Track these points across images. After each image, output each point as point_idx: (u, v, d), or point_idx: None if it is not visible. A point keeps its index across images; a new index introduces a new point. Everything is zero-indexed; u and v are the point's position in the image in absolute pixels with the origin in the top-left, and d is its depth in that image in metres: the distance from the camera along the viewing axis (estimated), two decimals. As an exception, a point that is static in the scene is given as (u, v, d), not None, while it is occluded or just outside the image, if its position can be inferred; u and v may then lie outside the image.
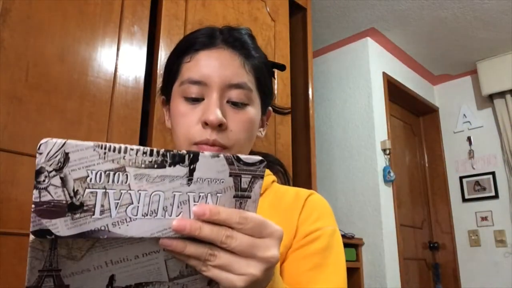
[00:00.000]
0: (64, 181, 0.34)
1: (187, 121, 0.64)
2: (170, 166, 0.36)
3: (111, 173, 0.35)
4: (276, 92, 1.86)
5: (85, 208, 0.35)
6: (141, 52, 1.49)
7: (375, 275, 2.66)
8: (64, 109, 1.25)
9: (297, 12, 2.29)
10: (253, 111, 0.67)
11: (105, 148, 0.34)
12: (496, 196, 3.29)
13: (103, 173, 0.35)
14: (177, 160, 0.37)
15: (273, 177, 0.77)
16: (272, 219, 0.66)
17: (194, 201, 0.38)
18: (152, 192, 0.36)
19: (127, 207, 0.36)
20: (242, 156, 0.39)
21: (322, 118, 3.14)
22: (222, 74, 0.64)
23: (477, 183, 3.41)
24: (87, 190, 0.34)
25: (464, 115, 3.59)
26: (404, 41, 3.17)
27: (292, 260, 0.64)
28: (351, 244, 2.63)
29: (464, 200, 3.45)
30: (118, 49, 1.42)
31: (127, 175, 0.35)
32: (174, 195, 0.37)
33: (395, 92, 3.27)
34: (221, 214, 0.38)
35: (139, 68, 1.46)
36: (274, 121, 1.86)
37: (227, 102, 0.65)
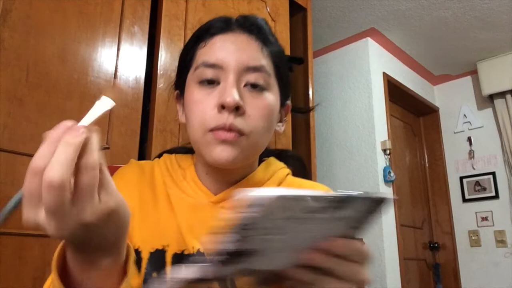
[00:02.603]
0: (249, 233, 0.35)
1: (202, 107, 0.60)
2: (331, 209, 0.37)
3: (285, 220, 0.36)
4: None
5: (251, 252, 0.37)
6: (141, 52, 1.49)
7: (375, 275, 2.66)
8: (64, 109, 1.25)
9: (297, 12, 2.29)
10: (272, 97, 0.64)
11: (287, 199, 0.35)
12: (496, 196, 3.29)
13: (279, 221, 0.36)
14: (337, 205, 0.37)
15: (288, 170, 0.74)
16: None
17: (329, 232, 0.40)
18: (306, 230, 0.38)
19: (280, 245, 0.38)
20: (383, 197, 0.39)
21: (322, 118, 3.14)
22: (239, 57, 0.61)
23: (477, 183, 3.41)
24: (261, 237, 0.36)
25: (465, 115, 3.59)
26: (404, 41, 3.17)
27: None
28: (351, 244, 2.63)
29: (465, 200, 3.45)
30: (118, 49, 1.42)
31: (295, 219, 0.36)
32: (320, 232, 0.39)
33: (395, 92, 3.27)
34: (341, 247, 0.41)
35: (139, 68, 1.46)
36: (274, 121, 1.86)
37: (245, 86, 0.61)
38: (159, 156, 0.75)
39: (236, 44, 0.63)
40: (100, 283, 0.41)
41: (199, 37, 0.66)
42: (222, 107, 0.58)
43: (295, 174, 0.76)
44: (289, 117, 2.03)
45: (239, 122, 0.59)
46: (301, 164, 0.82)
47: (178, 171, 0.68)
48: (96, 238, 0.38)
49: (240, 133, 0.59)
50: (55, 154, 0.34)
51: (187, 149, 0.74)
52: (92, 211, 0.36)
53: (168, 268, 0.59)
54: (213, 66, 0.61)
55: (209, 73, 0.61)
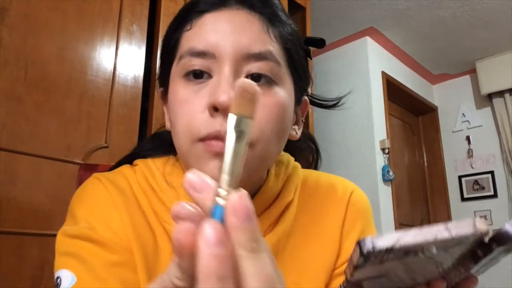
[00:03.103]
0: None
1: (189, 110, 0.46)
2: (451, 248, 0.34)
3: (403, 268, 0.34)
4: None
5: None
6: (140, 51, 1.48)
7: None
8: (63, 108, 1.25)
9: (296, 11, 2.29)
10: (283, 93, 0.48)
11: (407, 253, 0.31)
12: (495, 195, 3.30)
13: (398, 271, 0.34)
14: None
15: (298, 164, 0.62)
16: (306, 227, 0.56)
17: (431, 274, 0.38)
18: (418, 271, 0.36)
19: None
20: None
21: (321, 117, 3.14)
22: (236, 40, 0.46)
23: (476, 182, 3.42)
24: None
25: (463, 114, 3.59)
26: (403, 41, 3.17)
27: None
28: (350, 243, 2.63)
29: (463, 199, 3.46)
30: (117, 48, 1.42)
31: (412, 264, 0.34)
32: (428, 270, 0.37)
33: (394, 91, 3.28)
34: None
35: (138, 67, 1.46)
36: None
37: (247, 77, 0.46)
38: (128, 161, 0.58)
39: (233, 23, 0.47)
40: None
41: (184, 17, 0.50)
42: (215, 109, 0.43)
43: (307, 157, 0.64)
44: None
45: None
46: (314, 147, 0.69)
47: (169, 192, 0.51)
48: None
49: None
50: None
51: (161, 144, 0.58)
52: None
53: None
54: (202, 54, 0.46)
55: (197, 64, 0.46)
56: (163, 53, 0.53)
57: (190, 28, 0.49)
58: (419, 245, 0.30)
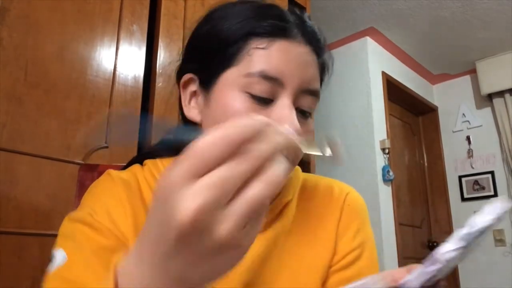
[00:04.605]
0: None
1: None
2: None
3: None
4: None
5: None
6: (140, 52, 1.48)
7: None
8: (63, 108, 1.24)
9: (296, 11, 2.29)
10: (312, 124, 0.58)
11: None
12: (495, 195, 3.29)
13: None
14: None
15: (299, 168, 0.65)
16: (304, 226, 0.60)
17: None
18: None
19: None
20: None
21: (321, 117, 3.14)
22: (302, 75, 0.52)
23: (476, 182, 3.42)
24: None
25: (463, 114, 3.59)
26: (403, 41, 3.17)
27: (336, 283, 0.57)
28: (350, 243, 2.63)
29: (463, 199, 3.46)
30: (117, 48, 1.41)
31: None
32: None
33: (394, 92, 3.28)
34: None
35: (138, 67, 1.46)
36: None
37: (296, 109, 0.52)
38: (139, 161, 0.62)
39: (301, 58, 0.53)
40: None
41: (254, 32, 0.52)
42: None
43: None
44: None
45: None
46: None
47: None
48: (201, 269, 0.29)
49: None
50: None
51: (169, 147, 0.61)
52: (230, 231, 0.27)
53: None
54: (273, 80, 0.50)
55: (265, 87, 0.50)
56: (215, 46, 0.53)
57: (264, 48, 0.51)
58: None
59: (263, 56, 0.51)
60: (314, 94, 0.54)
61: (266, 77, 0.50)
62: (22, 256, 1.09)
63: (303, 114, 0.54)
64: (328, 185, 0.65)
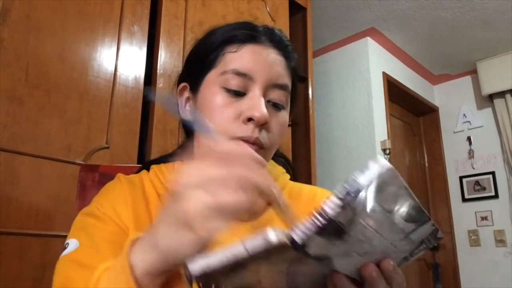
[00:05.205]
0: (360, 208, 0.33)
1: (225, 114, 0.60)
2: (411, 222, 0.38)
3: (387, 213, 0.36)
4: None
5: (343, 236, 0.34)
6: (141, 52, 1.49)
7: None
8: (64, 109, 1.25)
9: (297, 11, 2.29)
10: (286, 116, 0.65)
11: (406, 191, 0.36)
12: (496, 196, 3.29)
13: (384, 211, 0.35)
14: (417, 219, 0.38)
15: (288, 176, 0.74)
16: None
17: (388, 253, 0.40)
18: (382, 237, 0.38)
19: (362, 244, 0.37)
20: (439, 231, 0.41)
21: (322, 118, 3.14)
22: (269, 71, 0.62)
23: (477, 183, 3.41)
24: (361, 221, 0.34)
25: (464, 115, 3.59)
26: (404, 41, 3.17)
27: None
28: (351, 244, 2.63)
29: (464, 200, 3.45)
30: (118, 49, 1.42)
31: (390, 219, 0.36)
32: (388, 245, 0.39)
33: (395, 92, 3.27)
34: (395, 273, 0.42)
35: (139, 67, 1.46)
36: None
37: (267, 102, 0.62)
38: (146, 168, 0.71)
39: (268, 58, 0.63)
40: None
41: (227, 40, 0.64)
42: (249, 119, 0.58)
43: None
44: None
45: (263, 137, 0.59)
46: (287, 163, 0.81)
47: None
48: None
49: (261, 147, 0.60)
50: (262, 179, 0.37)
51: (171, 157, 0.71)
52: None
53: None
54: (243, 75, 0.61)
55: (237, 82, 0.60)
56: (200, 59, 0.66)
57: (235, 51, 0.63)
58: (229, 265, 0.33)
59: (235, 57, 0.62)
60: (283, 88, 0.63)
61: (238, 73, 0.61)
62: (22, 256, 1.09)
63: (275, 106, 0.63)
64: (312, 191, 0.73)
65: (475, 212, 3.38)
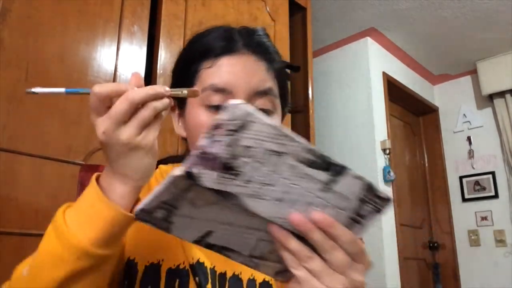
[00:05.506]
0: (232, 142, 0.36)
1: None
2: (318, 169, 0.38)
3: (272, 154, 0.37)
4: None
5: (233, 172, 0.37)
6: (141, 52, 1.49)
7: (374, 275, 2.66)
8: (63, 109, 1.25)
9: (297, 11, 2.29)
10: (277, 119, 0.64)
11: (279, 131, 0.37)
12: (496, 196, 3.29)
13: (265, 151, 0.37)
14: (326, 166, 0.38)
15: None
16: None
17: (318, 207, 0.40)
18: (292, 184, 0.39)
19: (266, 187, 0.38)
20: (378, 188, 0.42)
21: (322, 118, 3.14)
22: (248, 81, 0.60)
23: (477, 183, 3.41)
24: (244, 159, 0.37)
25: (464, 114, 3.59)
26: (404, 41, 3.17)
27: None
28: (351, 243, 2.63)
29: (464, 200, 3.45)
30: (118, 49, 1.42)
31: (283, 161, 0.38)
32: (306, 194, 0.39)
33: (395, 92, 3.27)
34: (336, 229, 0.40)
35: (139, 68, 1.46)
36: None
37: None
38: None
39: (245, 67, 0.61)
40: (117, 200, 0.47)
41: (203, 54, 0.63)
42: None
43: None
44: (288, 117, 2.02)
45: None
46: None
47: None
48: (122, 162, 0.45)
49: None
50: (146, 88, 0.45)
51: (180, 158, 0.72)
52: (129, 136, 0.43)
53: (162, 283, 0.58)
54: (222, 90, 0.59)
55: (218, 98, 0.59)
56: (179, 77, 0.67)
57: (211, 67, 0.61)
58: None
59: (211, 73, 0.61)
60: (266, 93, 0.62)
61: (216, 89, 0.60)
62: (22, 256, 1.09)
63: (265, 112, 0.61)
64: None
65: (475, 212, 3.38)
